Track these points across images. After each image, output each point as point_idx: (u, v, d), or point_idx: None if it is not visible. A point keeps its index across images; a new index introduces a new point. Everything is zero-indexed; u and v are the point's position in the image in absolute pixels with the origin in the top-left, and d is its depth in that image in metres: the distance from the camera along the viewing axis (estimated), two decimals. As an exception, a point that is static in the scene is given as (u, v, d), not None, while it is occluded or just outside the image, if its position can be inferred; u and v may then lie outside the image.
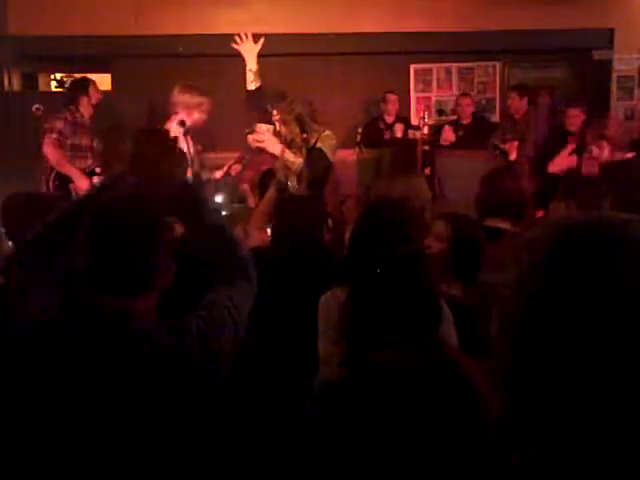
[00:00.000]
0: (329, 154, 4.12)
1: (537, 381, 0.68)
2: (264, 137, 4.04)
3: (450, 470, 0.93)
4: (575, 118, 5.42)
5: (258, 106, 4.31)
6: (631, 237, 0.68)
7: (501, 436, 0.76)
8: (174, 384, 1.40)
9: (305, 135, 4.10)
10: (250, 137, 4.08)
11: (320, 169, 4.10)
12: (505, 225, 2.80)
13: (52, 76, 7.29)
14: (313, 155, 4.05)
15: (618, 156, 4.29)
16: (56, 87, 7.27)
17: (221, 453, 1.82)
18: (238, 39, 4.23)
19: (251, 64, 4.23)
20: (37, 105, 4.76)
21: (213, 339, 1.48)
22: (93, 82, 5.30)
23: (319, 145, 4.10)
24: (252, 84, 4.23)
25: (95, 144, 5.10)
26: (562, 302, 0.66)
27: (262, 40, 4.24)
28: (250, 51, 4.23)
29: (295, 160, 4.00)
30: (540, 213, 3.96)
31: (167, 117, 6.13)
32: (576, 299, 0.66)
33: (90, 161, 5.05)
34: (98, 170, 4.97)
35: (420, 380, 0.98)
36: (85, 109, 5.13)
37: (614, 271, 0.65)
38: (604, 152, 4.28)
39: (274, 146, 4.05)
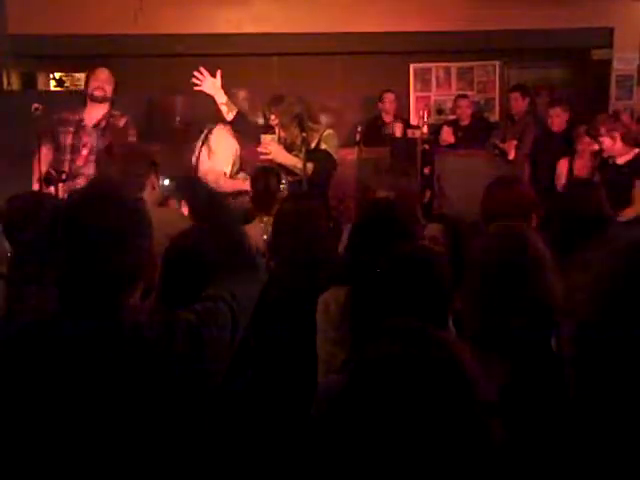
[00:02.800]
0: (334, 154, 4.12)
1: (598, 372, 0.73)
2: (271, 148, 4.01)
3: (446, 456, 0.94)
4: (557, 117, 5.42)
5: (244, 132, 4.29)
6: None
7: (490, 416, 0.80)
8: (163, 378, 1.40)
9: (305, 134, 4.09)
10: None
11: (326, 170, 4.10)
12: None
13: (51, 75, 7.29)
14: (319, 156, 4.03)
15: (629, 151, 4.26)
16: (55, 86, 7.27)
17: (218, 451, 1.81)
18: (197, 80, 4.12)
19: (220, 98, 4.15)
20: (36, 105, 4.73)
21: (205, 333, 1.47)
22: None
23: (323, 146, 4.09)
24: (229, 115, 4.19)
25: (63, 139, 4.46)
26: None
27: (220, 72, 4.16)
28: (213, 87, 4.13)
29: (301, 166, 3.99)
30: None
31: (166, 116, 6.16)
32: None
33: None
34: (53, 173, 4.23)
35: (420, 376, 0.99)
36: None
37: None
38: (616, 144, 4.24)
39: (282, 155, 4.03)
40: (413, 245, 2.05)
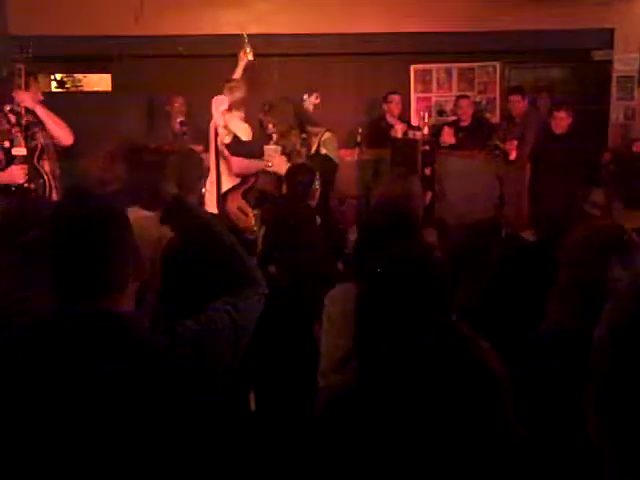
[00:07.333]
0: (334, 158, 4.12)
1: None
2: (274, 160, 4.04)
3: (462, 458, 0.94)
4: (562, 120, 5.41)
5: (240, 154, 4.36)
6: None
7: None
8: (164, 383, 1.40)
9: (304, 136, 4.11)
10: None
11: (328, 175, 4.10)
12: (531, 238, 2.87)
13: (52, 76, 7.29)
14: (319, 162, 4.04)
15: None
16: (56, 87, 7.27)
17: (220, 454, 1.81)
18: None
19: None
20: (37, 105, 4.72)
21: (205, 341, 1.48)
22: None
23: (323, 150, 4.10)
24: (226, 138, 4.24)
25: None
26: None
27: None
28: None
29: None
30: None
31: (166, 117, 6.15)
32: None
33: None
34: None
35: (432, 372, 0.99)
36: None
37: None
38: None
39: (284, 167, 4.04)
40: (411, 245, 2.07)
